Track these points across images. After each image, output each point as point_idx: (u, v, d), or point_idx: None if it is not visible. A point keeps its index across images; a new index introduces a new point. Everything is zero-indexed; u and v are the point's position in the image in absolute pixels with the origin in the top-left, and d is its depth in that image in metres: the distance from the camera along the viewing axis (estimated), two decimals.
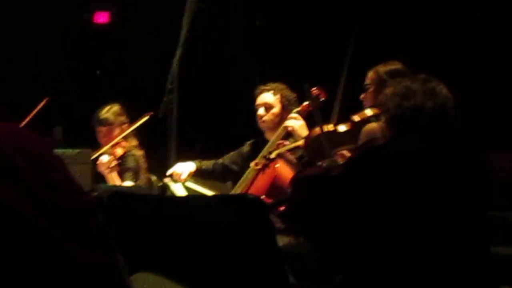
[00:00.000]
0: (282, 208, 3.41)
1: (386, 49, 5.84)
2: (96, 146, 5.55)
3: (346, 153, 4.06)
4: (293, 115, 4.73)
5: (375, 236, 2.85)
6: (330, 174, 3.11)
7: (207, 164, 5.14)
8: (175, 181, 4.97)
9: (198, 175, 5.09)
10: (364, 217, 2.86)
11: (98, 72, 7.36)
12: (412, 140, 2.99)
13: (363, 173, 2.90)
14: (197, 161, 5.12)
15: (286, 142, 4.65)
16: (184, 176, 4.98)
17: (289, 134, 4.76)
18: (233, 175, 5.09)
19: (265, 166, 4.55)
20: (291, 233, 4.00)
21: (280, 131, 4.78)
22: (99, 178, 5.36)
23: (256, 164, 4.64)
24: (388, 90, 3.12)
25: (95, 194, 3.95)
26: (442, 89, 3.03)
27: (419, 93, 2.99)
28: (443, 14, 6.29)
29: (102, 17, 7.79)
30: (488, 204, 2.97)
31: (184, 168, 5.02)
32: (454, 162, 2.93)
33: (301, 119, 4.69)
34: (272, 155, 4.55)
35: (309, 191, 3.13)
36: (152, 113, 5.32)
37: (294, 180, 3.29)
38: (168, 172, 4.98)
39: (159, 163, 5.65)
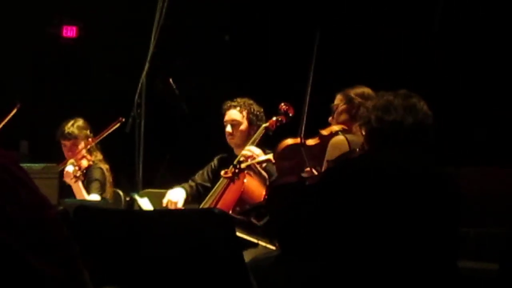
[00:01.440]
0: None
1: (350, 63, 5.89)
2: (62, 161, 5.53)
3: (315, 171, 4.10)
4: (248, 147, 4.75)
5: (345, 244, 2.89)
6: (306, 183, 3.15)
7: (187, 188, 5.12)
8: (142, 195, 4.96)
9: (186, 201, 5.06)
10: (337, 225, 2.90)
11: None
12: (390, 155, 3.03)
13: (340, 183, 2.94)
14: (181, 187, 5.08)
15: (257, 151, 4.67)
16: (180, 204, 4.96)
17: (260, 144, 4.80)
18: (207, 191, 5.08)
19: (234, 175, 4.56)
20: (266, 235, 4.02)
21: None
22: (65, 192, 5.33)
23: (226, 173, 4.65)
24: (369, 103, 3.17)
25: (61, 208, 3.93)
26: (423, 106, 3.07)
27: (400, 108, 3.03)
28: (402, 27, 6.36)
29: (69, 32, 7.77)
30: (457, 220, 3.01)
31: (179, 196, 5.00)
32: (424, 178, 2.98)
33: (256, 148, 4.71)
34: (242, 165, 4.57)
35: (285, 198, 3.17)
36: (123, 119, 5.29)
37: (270, 186, 3.32)
38: (164, 202, 4.95)
39: (126, 178, 5.64)
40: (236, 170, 4.55)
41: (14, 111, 5.61)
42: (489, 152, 5.91)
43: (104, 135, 5.54)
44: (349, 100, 4.24)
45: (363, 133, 3.16)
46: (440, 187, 2.98)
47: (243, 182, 4.67)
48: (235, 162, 4.65)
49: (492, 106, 6.11)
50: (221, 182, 4.86)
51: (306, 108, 4.32)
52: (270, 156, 4.52)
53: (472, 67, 6.16)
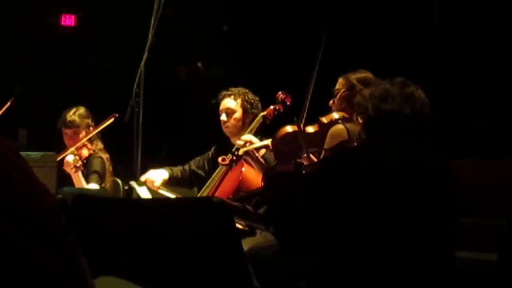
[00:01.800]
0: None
1: (351, 54, 5.88)
2: (61, 149, 5.53)
3: (313, 157, 4.09)
4: (245, 135, 4.73)
5: (341, 236, 2.87)
6: (303, 172, 3.13)
7: (177, 171, 5.14)
8: (141, 184, 4.96)
9: (169, 183, 5.09)
10: (333, 216, 2.88)
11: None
12: (387, 144, 3.00)
13: (336, 173, 2.92)
14: (168, 168, 5.12)
15: (255, 139, 4.66)
16: (157, 183, 4.98)
17: (258, 133, 4.79)
18: (200, 180, 5.10)
19: (232, 162, 4.55)
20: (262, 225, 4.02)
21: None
22: (64, 181, 5.33)
23: (223, 160, 4.65)
24: (366, 92, 3.14)
25: (59, 196, 3.92)
26: (420, 94, 3.05)
27: (398, 97, 3.00)
28: (403, 21, 6.36)
29: (68, 20, 7.76)
30: (455, 211, 3.00)
31: (158, 175, 5.02)
32: (423, 168, 2.96)
33: (253, 137, 4.70)
34: (240, 152, 4.57)
35: (281, 188, 3.15)
36: (117, 114, 5.32)
37: (266, 175, 3.30)
38: (142, 178, 4.97)
39: (124, 167, 5.63)
40: (234, 157, 4.55)
41: (9, 103, 5.59)
42: (489, 143, 5.91)
43: (99, 130, 5.54)
44: (350, 87, 4.19)
45: (360, 121, 3.14)
46: (439, 177, 2.97)
47: (241, 171, 4.67)
48: (233, 150, 4.65)
49: (491, 98, 6.11)
50: (219, 171, 4.86)
51: (310, 95, 4.32)
52: (268, 141, 4.50)
53: (472, 59, 6.16)
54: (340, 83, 4.28)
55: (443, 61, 6.19)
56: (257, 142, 4.64)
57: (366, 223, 2.85)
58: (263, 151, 4.59)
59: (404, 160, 2.95)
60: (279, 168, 3.57)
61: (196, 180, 5.16)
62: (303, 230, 2.96)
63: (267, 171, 3.41)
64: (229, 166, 4.62)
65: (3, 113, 5.60)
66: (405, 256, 2.85)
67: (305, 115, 4.31)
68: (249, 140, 4.64)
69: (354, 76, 4.23)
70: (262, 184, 3.29)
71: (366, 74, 4.23)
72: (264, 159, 4.59)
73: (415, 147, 3.00)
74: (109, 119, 5.45)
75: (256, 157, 4.57)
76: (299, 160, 3.50)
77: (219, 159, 4.72)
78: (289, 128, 4.29)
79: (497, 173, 5.29)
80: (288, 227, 3.02)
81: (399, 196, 2.88)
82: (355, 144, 3.20)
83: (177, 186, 5.17)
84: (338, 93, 4.27)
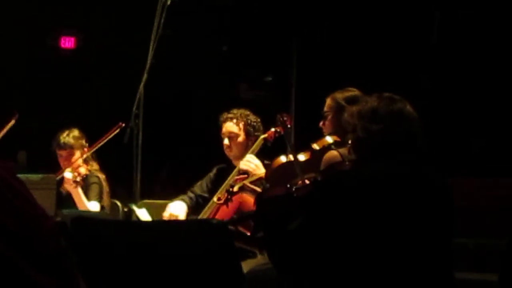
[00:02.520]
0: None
1: (342, 74, 5.89)
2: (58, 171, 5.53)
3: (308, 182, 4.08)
4: (247, 157, 4.73)
5: (336, 257, 2.84)
6: (294, 195, 3.11)
7: (187, 200, 5.09)
8: (140, 206, 4.95)
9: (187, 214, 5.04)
10: (326, 238, 2.85)
11: None
12: (380, 164, 2.95)
13: (329, 195, 2.87)
14: (180, 199, 5.03)
15: (256, 161, 4.66)
16: (182, 217, 4.90)
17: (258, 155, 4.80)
18: (206, 202, 5.06)
19: (227, 201, 4.54)
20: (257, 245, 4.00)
21: (234, 172, 4.78)
22: (63, 203, 5.33)
23: (219, 199, 4.64)
24: (354, 109, 3.05)
25: (58, 219, 3.92)
26: (409, 110, 2.96)
27: (386, 116, 2.93)
28: (400, 40, 6.37)
29: (68, 42, 7.79)
30: (453, 229, 2.97)
31: (179, 209, 4.95)
32: (418, 186, 2.91)
33: (255, 158, 4.70)
34: (235, 188, 4.54)
35: (273, 210, 3.12)
36: (123, 124, 5.29)
37: (258, 199, 3.28)
38: (165, 215, 4.90)
39: (124, 188, 5.63)
40: (229, 196, 4.51)
41: (10, 124, 5.59)
42: (489, 163, 5.91)
43: (104, 141, 5.54)
44: (339, 108, 4.08)
45: (349, 141, 3.08)
46: (435, 194, 2.92)
47: (241, 194, 4.65)
48: (228, 188, 4.60)
49: (490, 116, 6.11)
50: (213, 203, 4.84)
51: (293, 122, 4.27)
52: (262, 174, 4.49)
53: (470, 78, 6.17)
54: (327, 105, 4.20)
55: (441, 79, 6.20)
56: (258, 166, 4.63)
57: (362, 244, 2.82)
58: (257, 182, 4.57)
59: (397, 179, 2.90)
60: (271, 191, 3.55)
61: (204, 203, 5.09)
62: (297, 252, 2.93)
63: (259, 195, 3.39)
64: (225, 205, 4.58)
65: (3, 134, 5.60)
66: (402, 275, 2.83)
67: (292, 139, 4.26)
68: (246, 169, 4.64)
69: (341, 96, 4.14)
70: (255, 208, 3.27)
71: (354, 93, 4.13)
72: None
73: (408, 165, 2.95)
74: (115, 130, 5.44)
75: (252, 188, 4.53)
76: (290, 184, 3.48)
77: (214, 198, 4.71)
78: (282, 159, 4.26)
79: (498, 192, 5.29)
80: (282, 250, 2.99)
81: (394, 215, 2.83)
82: (347, 166, 3.16)
83: (190, 216, 5.12)
84: (328, 115, 4.23)
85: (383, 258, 2.81)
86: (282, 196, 3.23)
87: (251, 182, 4.56)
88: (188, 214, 5.00)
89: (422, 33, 6.29)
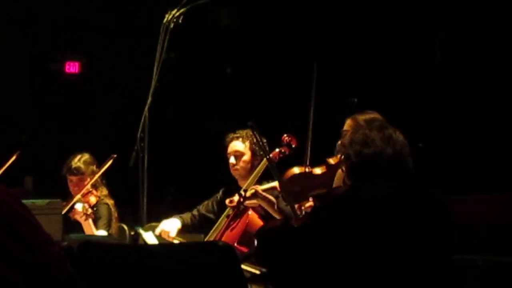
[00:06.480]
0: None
1: (354, 94, 5.90)
2: (66, 195, 5.53)
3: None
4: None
5: (339, 283, 2.85)
6: (292, 225, 3.14)
7: (187, 218, 5.13)
8: (147, 229, 4.95)
9: (182, 231, 5.07)
10: (328, 263, 2.87)
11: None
12: (375, 185, 3.01)
13: (328, 220, 2.92)
14: (178, 217, 5.10)
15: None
16: (172, 234, 4.96)
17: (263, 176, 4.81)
18: (211, 224, 5.07)
19: (239, 204, 4.56)
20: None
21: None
22: (70, 228, 5.33)
23: (231, 201, 4.65)
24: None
25: (65, 244, 3.92)
26: (399, 135, 3.08)
27: (378, 140, 3.03)
28: (403, 58, 6.39)
29: (72, 68, 7.82)
30: (451, 247, 3.00)
31: (171, 226, 5.00)
32: (417, 205, 2.96)
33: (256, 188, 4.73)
34: (248, 193, 4.57)
35: (273, 243, 3.15)
36: (115, 155, 5.32)
37: (258, 234, 3.30)
38: (157, 232, 4.94)
39: (130, 212, 5.63)
40: (242, 199, 4.55)
41: (14, 157, 5.58)
42: (495, 179, 5.90)
43: (101, 173, 5.54)
44: (357, 127, 4.19)
45: (343, 170, 3.16)
46: (431, 212, 2.97)
47: (247, 214, 4.66)
48: (240, 191, 4.64)
49: (495, 136, 6.11)
50: (226, 214, 4.85)
51: (310, 136, 4.33)
52: (275, 183, 4.51)
53: (474, 98, 6.17)
54: (348, 124, 4.30)
55: (445, 99, 6.21)
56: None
57: (363, 265, 2.84)
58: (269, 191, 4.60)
59: (393, 198, 2.95)
60: (269, 224, 3.59)
61: (207, 223, 5.13)
62: (303, 282, 2.95)
63: (258, 230, 3.42)
64: (237, 208, 4.62)
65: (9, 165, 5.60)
66: None
67: (309, 155, 4.32)
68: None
69: (362, 117, 4.24)
70: (255, 244, 3.29)
71: (374, 115, 4.24)
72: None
73: (402, 185, 3.01)
74: (108, 161, 5.46)
75: (264, 196, 4.57)
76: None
77: (227, 201, 4.73)
78: (296, 170, 4.30)
79: (505, 208, 5.27)
80: (287, 282, 3.02)
81: (393, 235, 2.87)
82: (343, 189, 3.20)
83: (188, 233, 5.15)
84: (346, 134, 4.27)
85: (385, 277, 2.83)
86: (280, 226, 3.26)
87: (263, 191, 4.59)
88: (181, 231, 5.02)
89: (425, 53, 6.31)
